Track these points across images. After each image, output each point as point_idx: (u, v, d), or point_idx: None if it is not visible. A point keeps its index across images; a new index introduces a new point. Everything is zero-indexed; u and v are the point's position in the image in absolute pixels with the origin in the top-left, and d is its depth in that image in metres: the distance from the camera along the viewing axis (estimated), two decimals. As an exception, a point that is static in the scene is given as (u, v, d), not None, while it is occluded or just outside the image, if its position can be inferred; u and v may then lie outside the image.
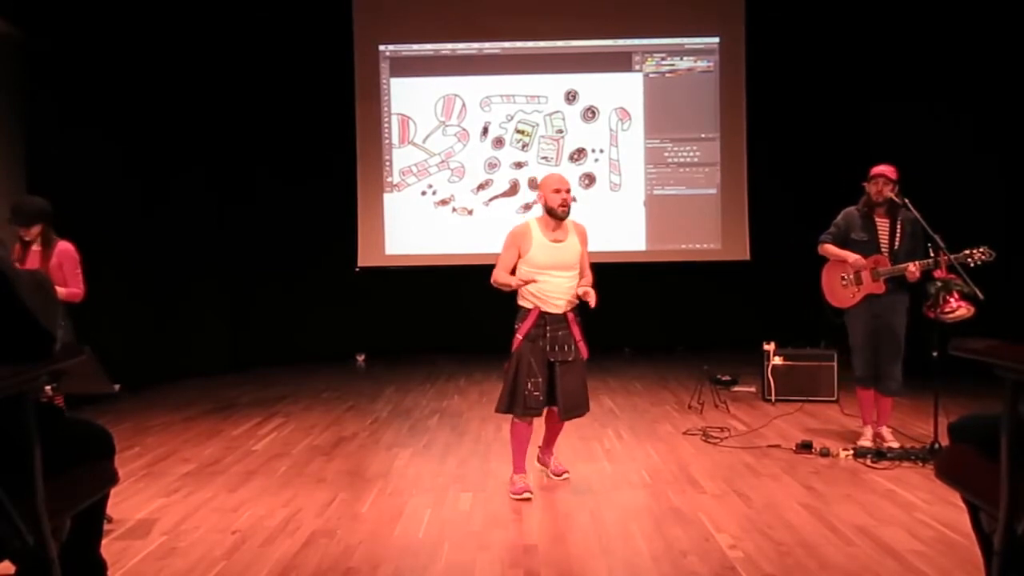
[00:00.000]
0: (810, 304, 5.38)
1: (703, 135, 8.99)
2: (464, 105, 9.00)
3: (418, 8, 8.98)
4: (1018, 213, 6.85)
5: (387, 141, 9.05)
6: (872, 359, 4.77)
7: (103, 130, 7.06)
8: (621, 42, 8.97)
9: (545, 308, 3.94)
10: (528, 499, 3.87)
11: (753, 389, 6.55)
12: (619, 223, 8.89)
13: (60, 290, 4.06)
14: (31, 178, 6.49)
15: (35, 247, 4.18)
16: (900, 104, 7.74)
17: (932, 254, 4.51)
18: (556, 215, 3.93)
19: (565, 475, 4.26)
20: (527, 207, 8.86)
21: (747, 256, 8.94)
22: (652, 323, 9.11)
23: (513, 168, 9.01)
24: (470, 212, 8.96)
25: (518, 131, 8.99)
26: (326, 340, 8.94)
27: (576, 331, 4.00)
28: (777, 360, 6.14)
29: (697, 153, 9.00)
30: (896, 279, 4.67)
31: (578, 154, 8.99)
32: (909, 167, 6.82)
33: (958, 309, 4.42)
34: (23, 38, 6.43)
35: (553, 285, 3.94)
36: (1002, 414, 1.93)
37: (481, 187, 8.99)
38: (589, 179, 8.96)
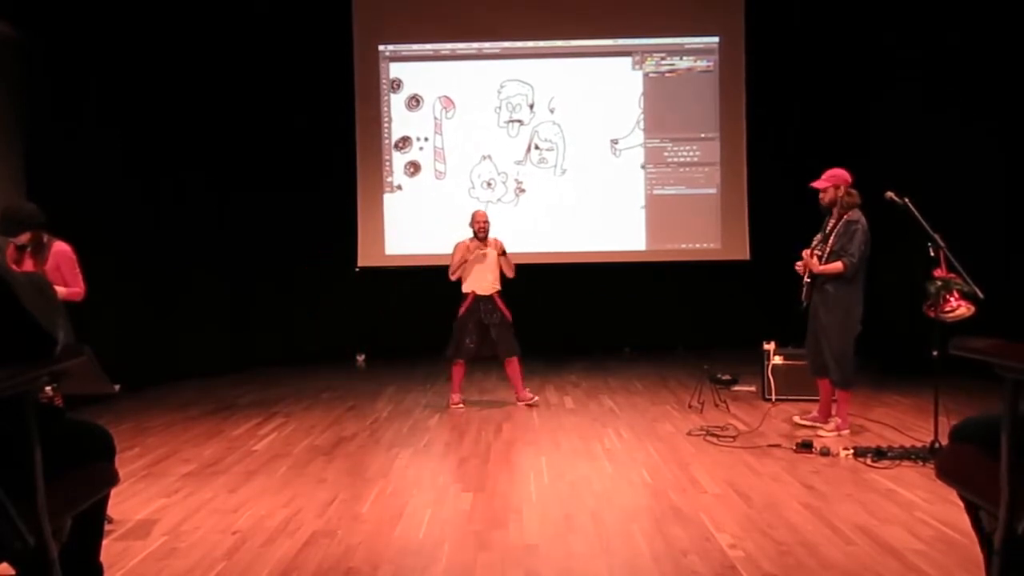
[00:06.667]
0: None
1: (703, 135, 8.99)
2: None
3: (418, 8, 8.98)
4: (1018, 213, 6.84)
5: (387, 141, 9.06)
6: (817, 352, 5.09)
7: (103, 130, 7.06)
8: (621, 42, 8.97)
9: None
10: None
11: (753, 388, 6.55)
12: (443, 213, 8.74)
13: (61, 290, 4.05)
14: (30, 178, 6.49)
15: (30, 250, 4.18)
16: (900, 104, 7.73)
17: (932, 253, 4.53)
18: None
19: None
20: None
21: (747, 256, 8.94)
22: (652, 323, 9.10)
23: None
24: None
25: None
26: (326, 340, 8.94)
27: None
28: (777, 359, 6.15)
29: (697, 153, 9.00)
30: (824, 276, 4.96)
31: (403, 142, 9.05)
32: (909, 167, 6.88)
33: (958, 308, 4.42)
34: (23, 38, 6.43)
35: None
36: (1002, 413, 1.92)
37: None
38: (414, 167, 9.03)
